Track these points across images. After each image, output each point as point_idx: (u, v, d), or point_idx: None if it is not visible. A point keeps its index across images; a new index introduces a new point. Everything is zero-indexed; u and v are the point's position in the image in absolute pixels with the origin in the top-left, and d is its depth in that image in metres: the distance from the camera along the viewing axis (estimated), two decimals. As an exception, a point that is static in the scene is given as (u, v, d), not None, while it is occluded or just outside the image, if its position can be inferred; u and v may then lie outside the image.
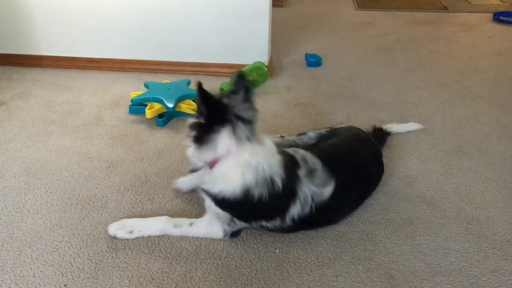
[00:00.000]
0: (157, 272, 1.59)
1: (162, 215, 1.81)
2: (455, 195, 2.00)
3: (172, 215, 1.85)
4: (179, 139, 2.37)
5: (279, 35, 3.83)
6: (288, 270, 1.61)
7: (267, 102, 2.79)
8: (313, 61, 3.30)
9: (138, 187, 2.01)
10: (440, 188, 2.04)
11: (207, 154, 1.57)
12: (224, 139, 1.53)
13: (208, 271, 1.61)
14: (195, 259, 1.65)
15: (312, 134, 2.11)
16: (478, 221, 1.85)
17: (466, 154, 2.28)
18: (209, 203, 1.65)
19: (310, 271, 1.60)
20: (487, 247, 1.73)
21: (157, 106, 2.53)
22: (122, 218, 1.82)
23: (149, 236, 1.73)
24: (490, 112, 2.69)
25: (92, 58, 3.22)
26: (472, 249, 1.72)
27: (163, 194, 1.97)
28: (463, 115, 2.65)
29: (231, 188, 1.55)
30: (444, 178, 2.10)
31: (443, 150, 2.31)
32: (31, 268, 1.59)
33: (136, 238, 1.72)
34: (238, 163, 1.54)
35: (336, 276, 1.59)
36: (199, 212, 1.86)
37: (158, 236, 1.74)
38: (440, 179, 2.10)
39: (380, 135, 2.29)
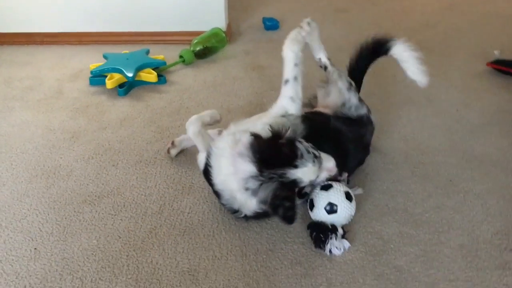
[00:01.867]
0: (123, 231, 1.68)
1: (127, 180, 1.90)
2: (403, 142, 2.13)
3: (136, 178, 1.93)
4: (141, 107, 2.43)
5: (237, 1, 3.85)
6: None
7: (226, 67, 2.85)
8: (271, 24, 3.35)
9: (101, 155, 2.08)
10: (390, 137, 2.17)
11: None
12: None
13: (173, 226, 1.70)
14: (159, 217, 1.74)
15: None
16: (423, 164, 1.99)
17: (415, 105, 2.42)
18: None
19: (268, 220, 1.71)
20: (431, 187, 1.88)
21: (116, 76, 2.57)
22: (88, 184, 1.90)
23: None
24: (438, 65, 2.81)
25: (49, 33, 3.19)
26: (417, 190, 1.86)
27: (126, 160, 2.04)
28: (413, 69, 2.77)
29: None
30: (393, 128, 2.23)
31: (393, 102, 2.44)
32: (1, 236, 1.66)
33: (104, 201, 1.80)
34: None
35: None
36: (163, 175, 1.94)
37: (122, 198, 1.82)
38: (390, 128, 2.23)
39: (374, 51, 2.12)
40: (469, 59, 2.90)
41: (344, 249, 1.58)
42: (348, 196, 1.65)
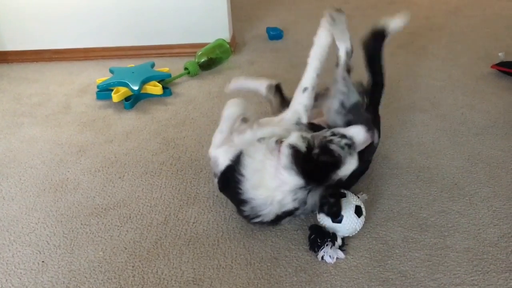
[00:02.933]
0: (129, 242, 1.70)
1: (133, 192, 1.92)
2: (408, 147, 2.13)
3: (142, 190, 1.95)
4: (147, 119, 2.46)
5: (241, 11, 3.90)
6: (252, 228, 1.72)
7: (231, 77, 2.84)
8: (275, 34, 3.38)
9: (108, 168, 2.10)
10: (394, 142, 2.16)
11: None
12: None
13: (178, 236, 1.72)
14: (165, 227, 1.76)
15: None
16: (428, 168, 1.99)
17: (419, 109, 2.41)
18: None
19: (273, 228, 1.72)
20: (435, 191, 1.87)
21: (122, 89, 2.61)
22: (94, 197, 1.92)
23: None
24: (443, 68, 2.81)
25: (57, 50, 3.26)
26: (422, 194, 1.85)
27: (132, 172, 2.07)
28: (417, 73, 2.78)
29: None
30: (398, 133, 2.22)
31: (398, 107, 2.43)
32: (9, 250, 1.69)
33: (110, 213, 1.82)
34: None
35: (297, 230, 1.71)
36: (168, 186, 1.96)
37: (128, 210, 1.84)
38: (394, 134, 2.22)
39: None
40: (473, 62, 2.89)
41: (337, 258, 1.57)
42: (358, 211, 1.63)
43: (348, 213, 1.62)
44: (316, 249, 1.58)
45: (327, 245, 1.56)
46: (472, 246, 1.61)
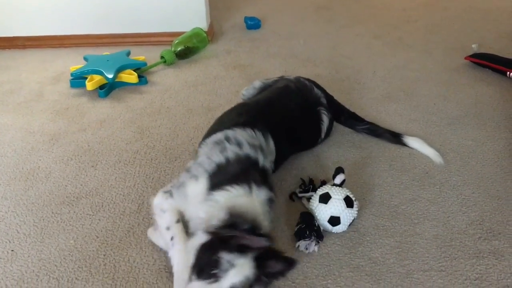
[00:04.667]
0: (101, 231, 1.68)
1: (106, 181, 1.90)
2: (381, 137, 2.15)
3: (115, 178, 1.93)
4: (121, 108, 2.43)
5: (219, 0, 3.87)
6: (225, 216, 1.72)
7: (207, 66, 2.86)
8: (252, 23, 3.37)
9: (81, 156, 2.08)
10: (368, 131, 2.18)
11: None
12: None
13: (151, 225, 1.70)
14: (137, 216, 1.75)
15: (257, 83, 2.25)
16: (401, 158, 2.01)
17: (394, 100, 2.44)
18: None
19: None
20: (407, 179, 1.89)
21: (97, 78, 2.57)
22: (66, 186, 1.90)
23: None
24: (418, 60, 2.84)
25: (30, 37, 3.19)
26: (394, 183, 1.88)
27: (106, 160, 2.04)
28: (393, 64, 2.80)
29: None
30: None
31: (373, 98, 2.45)
32: (-22, 239, 1.66)
33: (82, 201, 1.80)
34: None
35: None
36: (141, 174, 1.95)
37: (101, 198, 1.83)
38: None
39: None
40: (448, 53, 2.93)
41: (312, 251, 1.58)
42: (349, 202, 1.62)
43: (342, 211, 1.60)
44: (300, 237, 1.59)
45: (312, 240, 1.57)
46: (441, 233, 1.64)
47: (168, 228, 1.54)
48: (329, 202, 1.63)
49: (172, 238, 1.52)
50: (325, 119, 2.03)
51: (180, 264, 1.46)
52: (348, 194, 1.65)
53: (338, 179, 1.73)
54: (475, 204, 1.77)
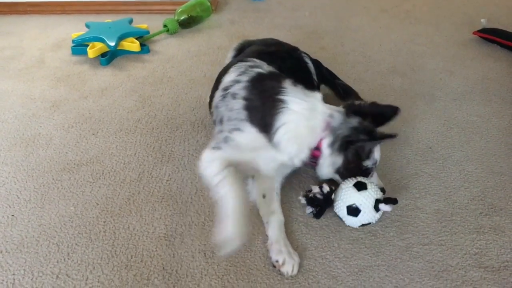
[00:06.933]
0: (101, 198, 1.68)
1: (107, 149, 1.89)
2: (385, 111, 2.12)
3: (116, 147, 1.92)
4: (123, 77, 2.40)
5: (224, -30, 3.79)
6: (226, 187, 1.71)
7: (210, 37, 2.82)
8: (258, -6, 3.31)
9: (82, 124, 2.06)
10: (372, 105, 2.15)
11: None
12: None
13: (151, 193, 1.70)
14: (138, 184, 1.74)
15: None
16: (404, 132, 1.99)
17: (399, 73, 2.40)
18: None
19: (246, 184, 1.72)
20: (410, 154, 1.88)
21: (98, 45, 2.54)
22: (67, 153, 1.89)
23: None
24: (425, 33, 2.79)
25: (32, 2, 3.15)
26: (396, 157, 1.86)
27: (107, 129, 2.03)
28: (400, 38, 2.75)
29: None
30: (376, 97, 2.20)
31: (378, 71, 2.42)
32: (-22, 203, 1.66)
33: (83, 169, 1.80)
34: None
35: (270, 189, 1.71)
36: (142, 143, 1.94)
37: (101, 166, 1.82)
38: (374, 97, 2.18)
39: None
40: (456, 28, 2.88)
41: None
42: (377, 206, 1.51)
43: (367, 209, 1.50)
44: (311, 206, 1.57)
45: (320, 210, 1.56)
46: (442, 208, 1.63)
47: (217, 174, 1.49)
48: (362, 192, 1.52)
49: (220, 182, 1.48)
50: (309, 61, 2.02)
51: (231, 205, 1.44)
52: (381, 199, 1.53)
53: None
54: (477, 180, 1.75)
